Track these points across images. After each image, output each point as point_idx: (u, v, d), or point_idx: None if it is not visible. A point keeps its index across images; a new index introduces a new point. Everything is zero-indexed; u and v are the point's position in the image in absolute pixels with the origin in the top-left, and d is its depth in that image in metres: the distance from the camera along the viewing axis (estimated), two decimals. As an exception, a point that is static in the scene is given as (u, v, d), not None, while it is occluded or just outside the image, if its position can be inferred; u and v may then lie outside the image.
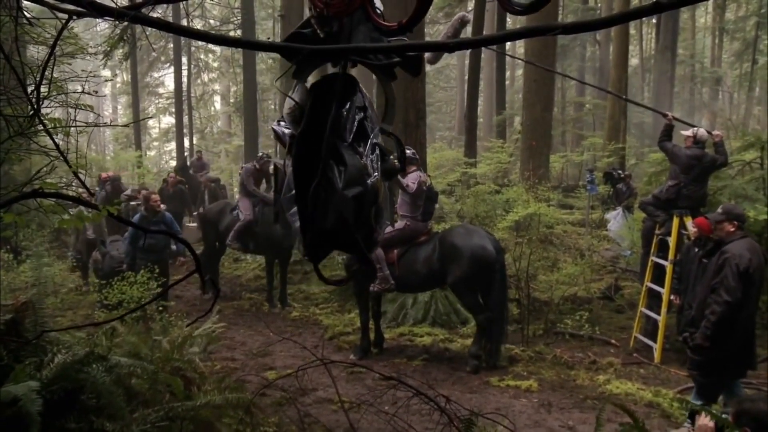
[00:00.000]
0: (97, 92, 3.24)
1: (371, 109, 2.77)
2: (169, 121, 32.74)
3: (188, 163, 17.38)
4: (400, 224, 6.87)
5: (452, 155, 17.91)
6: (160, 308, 6.61)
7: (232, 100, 31.17)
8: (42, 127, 2.66)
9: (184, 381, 4.29)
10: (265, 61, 25.63)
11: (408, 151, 6.93)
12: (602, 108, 21.12)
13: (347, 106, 2.64)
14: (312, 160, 2.54)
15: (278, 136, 2.92)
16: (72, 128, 3.30)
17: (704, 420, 3.11)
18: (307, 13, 2.84)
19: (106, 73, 25.06)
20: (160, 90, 32.43)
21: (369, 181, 2.60)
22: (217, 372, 5.94)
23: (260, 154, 10.56)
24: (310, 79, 2.90)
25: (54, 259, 9.77)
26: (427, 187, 6.85)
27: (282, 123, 2.92)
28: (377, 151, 2.74)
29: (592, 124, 24.76)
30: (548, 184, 13.01)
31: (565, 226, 11.24)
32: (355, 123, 2.66)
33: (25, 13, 2.77)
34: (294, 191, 2.62)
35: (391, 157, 2.96)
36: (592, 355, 7.05)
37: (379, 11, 2.74)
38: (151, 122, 34.87)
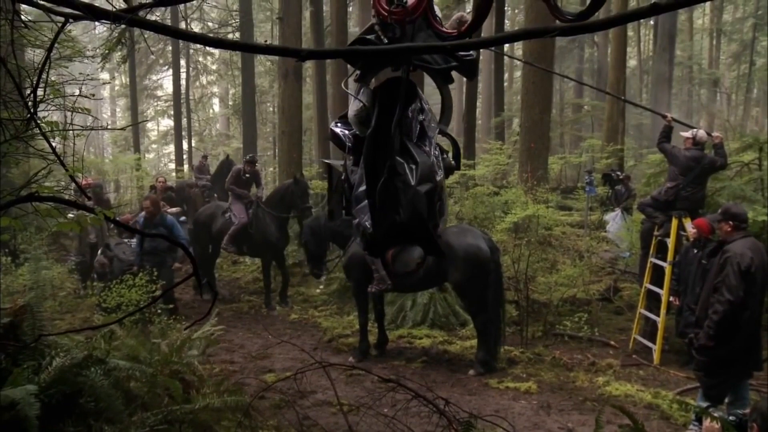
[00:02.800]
0: (94, 95, 3.24)
1: (430, 112, 2.91)
2: (167, 123, 32.69)
3: (195, 165, 17.06)
4: None
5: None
6: (159, 311, 6.59)
7: (230, 103, 31.17)
8: (38, 131, 2.65)
9: (182, 384, 4.29)
10: (264, 63, 25.65)
11: None
12: (601, 109, 21.14)
13: (411, 108, 2.79)
14: (380, 157, 2.67)
15: (336, 137, 3.04)
16: (69, 132, 3.30)
17: (710, 423, 3.11)
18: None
19: (105, 75, 25.06)
20: (159, 93, 32.39)
21: (437, 178, 2.76)
22: (215, 375, 5.93)
23: (249, 155, 10.63)
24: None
25: (52, 262, 9.74)
26: None
27: (339, 124, 3.03)
28: (439, 150, 2.90)
29: (591, 126, 24.77)
30: (547, 186, 12.98)
31: (564, 227, 11.21)
32: (418, 124, 2.82)
33: (22, 16, 2.77)
34: (365, 187, 2.74)
35: (448, 155, 3.06)
36: (591, 356, 7.05)
37: (438, 18, 2.86)
38: (149, 125, 34.84)
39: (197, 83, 29.96)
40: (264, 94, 28.13)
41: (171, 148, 32.28)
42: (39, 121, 2.55)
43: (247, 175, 10.15)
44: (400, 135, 2.71)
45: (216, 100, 36.11)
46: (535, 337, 7.74)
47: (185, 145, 24.86)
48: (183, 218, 9.30)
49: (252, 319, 9.12)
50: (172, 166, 28.70)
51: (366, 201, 2.78)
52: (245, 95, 19.74)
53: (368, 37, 2.86)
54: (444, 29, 2.82)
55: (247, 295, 10.41)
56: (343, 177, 3.05)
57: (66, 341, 4.21)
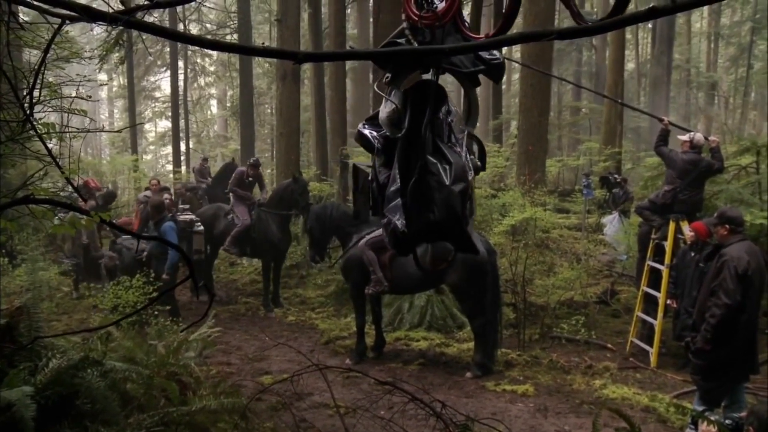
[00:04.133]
0: (90, 97, 3.23)
1: (457, 114, 3.00)
2: (165, 125, 32.65)
3: (196, 168, 16.96)
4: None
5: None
6: (156, 312, 6.59)
7: (228, 104, 31.15)
8: (34, 132, 2.65)
9: (179, 386, 4.28)
10: (261, 65, 25.67)
11: None
12: (598, 112, 21.16)
13: (442, 110, 2.87)
14: (412, 158, 2.75)
15: (363, 139, 3.09)
16: (65, 133, 3.29)
17: (707, 426, 3.12)
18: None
19: (103, 77, 25.00)
20: (157, 94, 32.38)
21: (469, 177, 2.82)
22: (212, 377, 5.91)
23: (252, 159, 10.66)
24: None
25: (49, 264, 9.75)
26: None
27: (367, 126, 3.10)
28: (467, 151, 2.98)
29: (589, 129, 24.80)
30: (544, 189, 12.98)
31: (562, 230, 11.23)
32: (447, 125, 2.89)
33: (18, 17, 2.76)
34: (399, 186, 2.81)
35: (474, 156, 3.15)
36: (589, 359, 7.05)
37: (466, 23, 2.95)
38: (147, 126, 34.85)
39: (195, 85, 29.98)
40: (262, 96, 28.14)
41: (169, 149, 32.18)
42: (35, 123, 2.54)
43: (251, 179, 10.23)
44: (432, 136, 2.80)
45: (214, 102, 36.10)
46: (532, 340, 7.74)
47: (183, 147, 24.87)
48: (200, 227, 9.27)
49: (249, 321, 9.12)
50: (170, 167, 28.66)
51: (398, 200, 2.84)
52: (243, 97, 19.76)
53: (398, 40, 2.93)
54: (471, 34, 2.91)
55: (245, 297, 10.40)
56: (370, 177, 3.13)
57: (62, 343, 4.21)
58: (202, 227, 9.29)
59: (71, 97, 3.49)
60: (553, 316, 8.23)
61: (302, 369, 4.25)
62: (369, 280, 6.92)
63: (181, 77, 24.22)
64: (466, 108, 3.17)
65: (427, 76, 2.92)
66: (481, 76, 3.11)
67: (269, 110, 29.20)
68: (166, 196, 9.69)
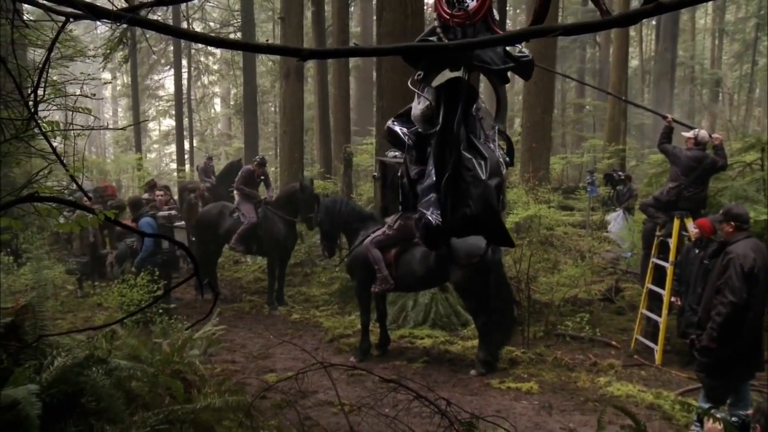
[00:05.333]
0: (95, 95, 3.23)
1: (487, 110, 3.09)
2: (169, 123, 32.69)
3: (200, 167, 16.67)
4: (395, 223, 6.87)
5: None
6: (161, 311, 6.59)
7: (232, 103, 31.19)
8: (39, 131, 2.64)
9: (184, 384, 4.28)
10: (265, 63, 25.65)
11: (391, 154, 7.06)
12: (602, 110, 21.12)
13: (474, 107, 2.95)
14: (447, 154, 2.82)
15: (393, 135, 3.17)
16: (70, 131, 3.29)
17: (712, 424, 3.10)
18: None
19: (106, 75, 25.03)
20: (161, 93, 32.39)
21: (503, 172, 2.91)
22: (217, 375, 5.93)
23: (258, 157, 10.65)
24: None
25: (54, 262, 9.77)
26: None
27: (397, 123, 3.15)
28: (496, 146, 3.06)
29: (593, 126, 24.76)
30: (548, 186, 12.99)
31: (566, 227, 11.21)
32: (478, 122, 2.98)
33: (23, 15, 2.76)
34: (434, 181, 2.89)
35: (503, 152, 3.21)
36: (593, 357, 7.04)
37: (496, 21, 3.01)
38: (151, 125, 34.91)
39: (199, 83, 29.97)
40: (266, 94, 28.15)
41: (173, 148, 32.20)
42: (39, 121, 2.54)
43: (263, 177, 10.26)
44: (465, 132, 2.87)
45: (218, 100, 36.15)
46: (536, 338, 7.73)
47: (187, 145, 24.86)
48: (181, 222, 9.06)
49: (253, 319, 9.12)
50: (174, 166, 28.67)
51: (431, 196, 2.91)
52: (247, 95, 19.74)
53: (430, 38, 2.98)
54: (501, 32, 2.95)
55: (249, 295, 10.41)
56: (399, 173, 3.20)
57: (67, 341, 4.20)
58: (183, 222, 9.19)
59: (75, 95, 3.49)
60: (558, 313, 8.22)
61: (307, 367, 4.25)
62: (374, 278, 6.92)
63: (184, 76, 24.21)
64: (495, 105, 3.21)
65: (458, 74, 2.96)
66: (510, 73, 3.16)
67: (273, 108, 29.21)
68: (158, 193, 9.57)
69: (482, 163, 2.79)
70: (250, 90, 19.72)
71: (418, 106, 2.98)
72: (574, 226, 12.80)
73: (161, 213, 8.74)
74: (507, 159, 3.20)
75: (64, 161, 2.30)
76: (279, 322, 8.89)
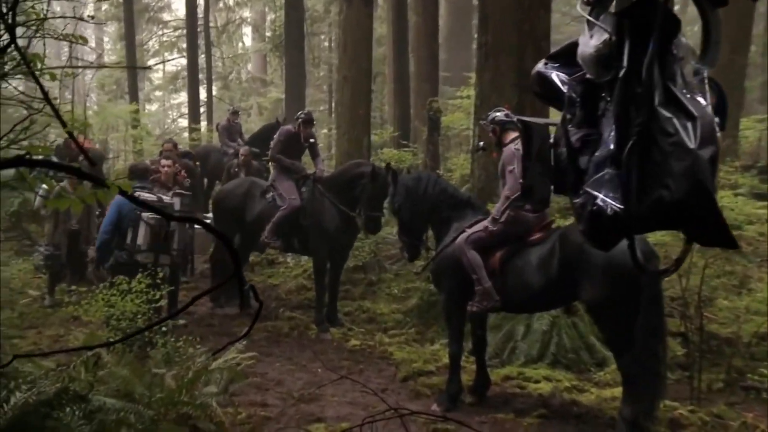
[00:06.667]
0: (93, 17, 3.44)
1: (689, 49, 2.97)
2: (178, 62, 33.24)
3: (221, 125, 16.89)
4: (503, 214, 6.88)
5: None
6: (164, 329, 6.75)
7: (268, 34, 31.25)
8: (19, 66, 2.82)
9: (194, 434, 4.44)
10: (318, -24, 25.92)
11: (499, 113, 7.14)
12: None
13: (673, 44, 2.84)
14: (631, 110, 2.78)
15: (546, 84, 3.17)
16: (58, 69, 3.49)
17: None
18: None
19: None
20: (166, 16, 32.86)
21: (719, 138, 2.82)
22: (241, 423, 6.08)
23: (303, 112, 10.67)
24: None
25: (11, 256, 10.00)
26: None
27: (550, 66, 3.17)
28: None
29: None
30: (736, 163, 12.67)
31: (762, 225, 10.94)
32: (681, 66, 2.87)
33: None
34: (611, 150, 2.86)
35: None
36: (801, 423, 6.90)
37: None
38: (152, 63, 35.53)
39: (221, 4, 30.45)
40: (317, 23, 28.29)
41: (182, 97, 32.90)
42: (22, 51, 2.72)
43: (312, 139, 10.30)
44: (662, 80, 2.78)
45: (247, 30, 36.50)
46: (712, 390, 7.61)
47: (203, 94, 25.25)
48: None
49: (294, 344, 9.31)
50: (184, 123, 29.21)
51: (606, 171, 2.88)
52: (290, 23, 19.88)
53: None
54: None
55: (289, 310, 10.60)
56: (552, 140, 3.17)
57: (30, 368, 4.35)
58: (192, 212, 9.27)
59: (58, 17, 3.66)
60: (747, 355, 8.06)
61: (373, 415, 4.37)
62: (470, 291, 6.96)
63: (201, -6, 24.63)
64: (702, 39, 3.14)
65: None
66: None
67: (327, 43, 29.40)
68: (164, 163, 9.49)
69: (689, 124, 2.70)
70: (296, 16, 19.86)
71: (590, 42, 2.92)
72: (776, 224, 12.45)
73: (144, 195, 8.81)
74: (716, 120, 3.14)
75: (59, 111, 2.45)
76: (330, 350, 9.05)
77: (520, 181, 6.78)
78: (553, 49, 3.36)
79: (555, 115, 4.18)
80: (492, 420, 6.92)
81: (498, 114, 7.06)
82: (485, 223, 6.93)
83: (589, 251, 6.43)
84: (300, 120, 10.31)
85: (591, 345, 8.21)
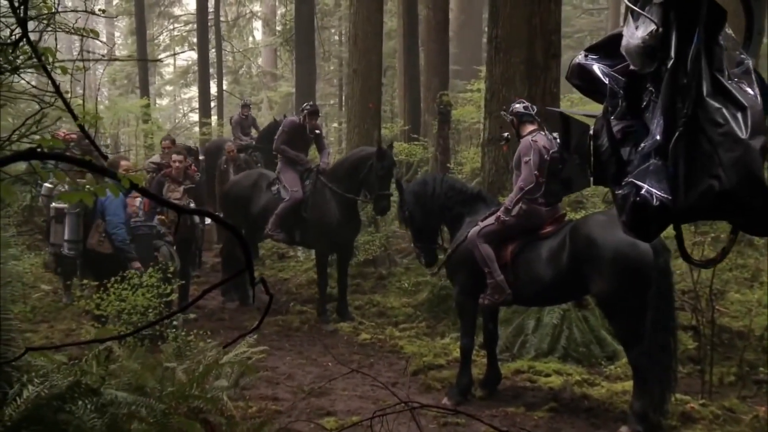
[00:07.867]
0: (104, 11, 3.43)
1: (733, 40, 2.99)
2: (188, 56, 33.33)
3: (234, 118, 16.86)
4: (515, 207, 6.86)
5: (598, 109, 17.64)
6: (174, 323, 6.77)
7: (278, 28, 31.38)
8: (30, 59, 2.81)
9: (205, 427, 4.43)
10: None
11: (518, 105, 7.13)
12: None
13: (720, 35, 2.84)
14: (678, 101, 2.78)
15: (586, 76, 3.15)
16: (69, 63, 3.48)
17: None
18: None
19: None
20: (176, 11, 32.95)
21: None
22: (252, 416, 6.09)
23: (308, 104, 10.63)
24: None
25: (24, 250, 10.02)
26: (552, 156, 6.81)
27: (591, 58, 3.15)
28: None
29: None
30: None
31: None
32: (726, 57, 2.86)
33: None
34: (657, 140, 2.85)
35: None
36: (814, 417, 6.86)
37: None
38: (163, 56, 35.62)
39: (232, -1, 30.48)
40: (328, 16, 28.34)
41: (193, 91, 32.99)
42: (34, 45, 2.72)
43: (317, 131, 10.28)
44: (710, 70, 2.78)
45: (258, 24, 36.57)
46: (724, 384, 7.58)
47: (213, 88, 25.32)
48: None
49: (305, 338, 9.32)
50: (195, 117, 29.29)
51: (651, 162, 2.87)
52: (301, 17, 19.90)
53: None
54: None
55: (299, 304, 10.62)
56: (592, 132, 3.16)
57: (43, 362, 4.35)
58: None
59: (69, 11, 3.66)
60: (759, 348, 8.02)
61: (383, 409, 4.34)
62: (482, 284, 6.95)
63: (211, -13, 24.64)
64: (745, 28, 3.13)
65: None
66: None
67: (337, 37, 29.43)
68: (175, 158, 9.58)
69: (739, 114, 2.69)
70: (306, 10, 19.88)
71: (635, 33, 2.89)
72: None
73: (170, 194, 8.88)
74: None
75: (70, 105, 2.44)
76: (341, 344, 9.06)
77: (535, 172, 6.81)
78: (564, 44, 3.34)
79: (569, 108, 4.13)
80: (502, 414, 6.91)
81: (517, 105, 7.07)
82: (499, 214, 6.91)
83: (599, 245, 6.42)
84: (305, 111, 10.25)
85: (602, 338, 8.18)
